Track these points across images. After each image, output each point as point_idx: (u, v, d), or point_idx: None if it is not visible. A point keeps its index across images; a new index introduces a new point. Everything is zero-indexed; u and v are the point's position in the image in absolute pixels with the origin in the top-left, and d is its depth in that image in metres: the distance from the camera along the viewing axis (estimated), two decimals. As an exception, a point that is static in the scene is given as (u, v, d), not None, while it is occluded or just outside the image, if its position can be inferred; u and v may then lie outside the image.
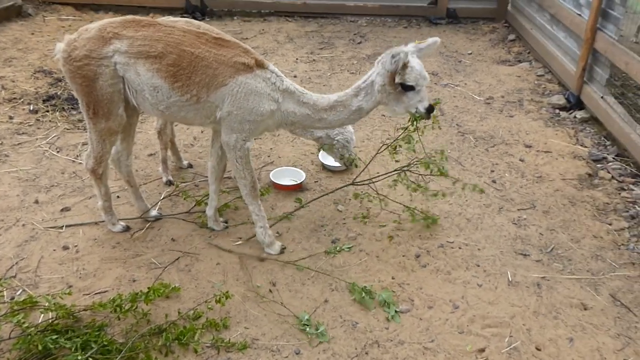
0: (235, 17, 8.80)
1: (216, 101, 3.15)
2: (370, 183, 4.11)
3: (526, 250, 3.70)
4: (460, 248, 3.71)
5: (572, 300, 3.26)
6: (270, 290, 3.27)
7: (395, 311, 3.14)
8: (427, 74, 3.13)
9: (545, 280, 3.41)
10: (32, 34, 7.74)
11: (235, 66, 3.08)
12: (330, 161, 4.54)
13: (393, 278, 3.43)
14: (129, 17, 3.24)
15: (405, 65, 3.02)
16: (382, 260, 3.56)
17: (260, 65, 3.16)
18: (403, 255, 3.61)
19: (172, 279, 3.31)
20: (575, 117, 5.63)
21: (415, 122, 3.37)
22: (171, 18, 3.91)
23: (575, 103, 5.74)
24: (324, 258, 3.56)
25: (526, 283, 3.38)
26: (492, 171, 4.67)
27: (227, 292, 3.08)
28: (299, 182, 4.28)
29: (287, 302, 3.19)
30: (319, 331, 2.98)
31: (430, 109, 3.18)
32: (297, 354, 2.86)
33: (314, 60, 7.16)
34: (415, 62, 3.07)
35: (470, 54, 7.47)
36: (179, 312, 3.02)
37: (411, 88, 3.10)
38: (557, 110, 5.81)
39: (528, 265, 3.54)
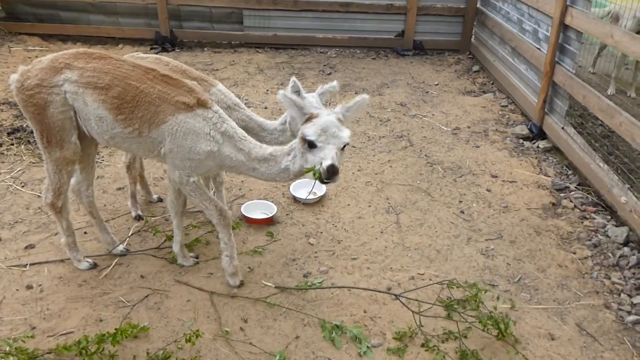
0: (205, 48, 8.86)
1: (158, 137, 3.19)
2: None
3: (494, 281, 3.77)
4: (430, 280, 3.75)
5: (539, 331, 3.33)
6: (241, 328, 3.23)
7: (367, 347, 3.14)
8: (338, 133, 2.87)
9: (513, 311, 3.47)
10: (-3, 65, 7.61)
11: (177, 105, 3.11)
12: (302, 194, 4.56)
13: (365, 312, 3.43)
14: (82, 49, 3.32)
15: (309, 119, 2.98)
16: (354, 294, 3.57)
17: (202, 104, 3.14)
18: (374, 288, 3.62)
19: (141, 318, 3.24)
20: (538, 146, 5.83)
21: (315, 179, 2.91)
22: (141, 55, 3.93)
23: (538, 133, 5.95)
24: (295, 293, 3.55)
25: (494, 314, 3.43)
26: (460, 201, 4.77)
27: (197, 330, 3.03)
28: (270, 215, 4.28)
29: (259, 339, 3.15)
30: (290, 368, 2.96)
31: (331, 169, 2.78)
32: (269, 393, 2.82)
33: (284, 91, 7.23)
34: (322, 119, 2.90)
35: (437, 84, 7.68)
36: (147, 353, 2.95)
37: (313, 144, 2.89)
38: (521, 140, 6.01)
39: (496, 296, 3.60)
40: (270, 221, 4.28)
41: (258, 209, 4.36)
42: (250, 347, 3.09)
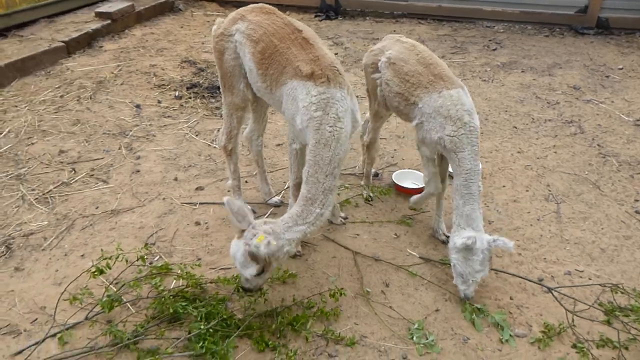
0: (367, 18, 8.89)
1: (280, 98, 3.20)
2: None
3: (671, 292, 3.30)
4: (590, 279, 3.41)
5: None
6: (382, 291, 3.27)
7: (510, 335, 2.97)
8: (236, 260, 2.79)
9: (692, 328, 3.01)
10: (181, 27, 8.48)
11: (295, 70, 3.06)
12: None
13: (511, 299, 3.25)
14: (260, 4, 3.50)
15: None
16: (501, 278, 3.40)
17: (314, 77, 2.96)
18: (524, 276, 3.40)
19: (290, 266, 3.44)
20: None
21: None
22: (400, 38, 3.72)
23: None
24: (439, 266, 3.48)
25: (668, 327, 3.02)
26: (637, 200, 4.23)
27: (342, 288, 3.12)
28: (420, 186, 4.22)
29: (399, 304, 3.17)
30: (428, 340, 2.93)
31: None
32: (404, 358, 2.83)
33: (444, 65, 7.00)
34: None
35: (621, 69, 6.81)
36: (293, 298, 3.13)
37: None
38: None
39: (672, 308, 3.16)
40: (420, 192, 4.22)
41: (409, 179, 4.33)
42: (389, 310, 3.12)
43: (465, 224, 3.16)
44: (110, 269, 3.05)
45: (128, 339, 2.73)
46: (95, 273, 3.02)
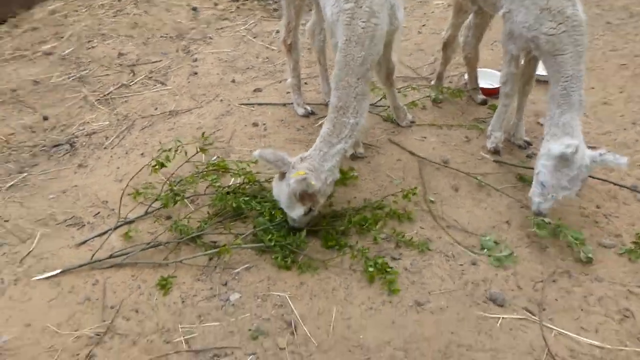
0: None
1: None
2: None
3: None
4: (693, 187, 3.00)
5: None
6: (451, 196, 3.03)
7: (589, 256, 2.60)
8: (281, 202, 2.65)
9: None
10: None
11: None
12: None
13: (598, 207, 2.93)
14: None
15: None
16: (587, 185, 3.03)
17: None
18: (615, 182, 3.03)
19: (351, 167, 3.24)
20: None
21: None
22: None
23: None
24: (514, 170, 3.17)
25: None
26: None
27: (415, 187, 2.93)
28: (496, 86, 3.81)
29: (469, 210, 2.93)
30: (500, 246, 2.70)
31: None
32: (473, 264, 2.63)
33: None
34: None
35: None
36: (364, 200, 2.96)
37: None
38: None
39: None
40: (496, 92, 3.82)
41: (485, 78, 3.92)
42: (460, 215, 2.89)
43: (562, 133, 2.67)
44: (170, 161, 2.95)
45: (193, 233, 2.69)
46: (156, 167, 2.94)
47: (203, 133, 3.33)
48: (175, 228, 2.71)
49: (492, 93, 3.83)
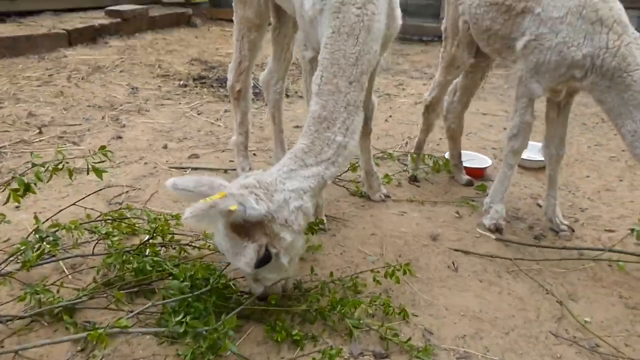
0: None
1: None
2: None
3: None
4: None
5: None
6: (448, 276, 2.20)
7: None
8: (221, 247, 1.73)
9: None
10: (196, 37, 7.84)
11: None
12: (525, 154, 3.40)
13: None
14: None
15: None
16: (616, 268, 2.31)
17: None
18: None
19: (311, 240, 2.38)
20: None
21: None
22: None
23: None
24: (523, 251, 2.41)
25: None
26: None
27: (407, 263, 2.01)
28: (483, 167, 3.23)
29: (478, 294, 2.08)
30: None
31: None
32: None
33: None
34: None
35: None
36: (331, 274, 2.06)
37: None
38: None
39: None
40: (481, 173, 3.22)
41: (470, 159, 3.29)
42: (461, 299, 2.04)
43: None
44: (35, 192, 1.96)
45: (60, 304, 1.68)
46: (18, 192, 1.89)
47: (103, 146, 2.18)
48: (31, 295, 1.69)
49: (478, 174, 3.23)
